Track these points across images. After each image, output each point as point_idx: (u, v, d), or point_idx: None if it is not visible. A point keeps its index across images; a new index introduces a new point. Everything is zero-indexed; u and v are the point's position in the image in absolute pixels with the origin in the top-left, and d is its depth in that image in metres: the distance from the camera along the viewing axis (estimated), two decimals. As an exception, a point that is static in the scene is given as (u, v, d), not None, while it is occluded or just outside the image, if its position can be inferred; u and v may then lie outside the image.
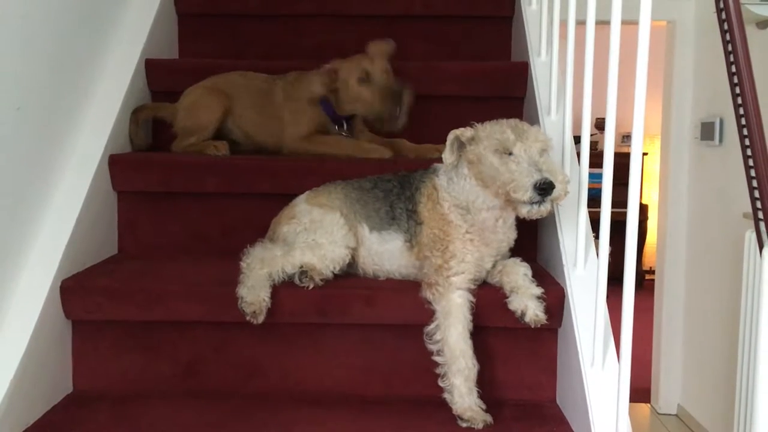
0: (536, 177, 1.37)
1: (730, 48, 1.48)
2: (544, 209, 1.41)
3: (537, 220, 1.81)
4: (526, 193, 1.38)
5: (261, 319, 1.47)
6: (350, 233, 1.58)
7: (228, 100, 2.07)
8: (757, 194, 1.67)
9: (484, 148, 1.45)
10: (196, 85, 2.10)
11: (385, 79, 1.96)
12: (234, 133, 2.12)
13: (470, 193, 1.50)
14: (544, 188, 1.37)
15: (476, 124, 1.50)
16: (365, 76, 1.95)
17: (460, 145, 1.50)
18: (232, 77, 2.11)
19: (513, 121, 1.47)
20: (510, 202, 1.43)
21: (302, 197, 1.67)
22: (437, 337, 1.45)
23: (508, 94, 2.17)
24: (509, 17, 2.47)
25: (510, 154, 1.42)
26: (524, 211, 1.42)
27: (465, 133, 1.49)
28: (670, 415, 3.48)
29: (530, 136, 1.43)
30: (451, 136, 1.50)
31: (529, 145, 1.42)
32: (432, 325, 1.47)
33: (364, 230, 1.59)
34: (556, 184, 1.38)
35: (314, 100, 2.02)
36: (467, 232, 1.51)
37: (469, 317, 1.46)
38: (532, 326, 1.49)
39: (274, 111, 2.07)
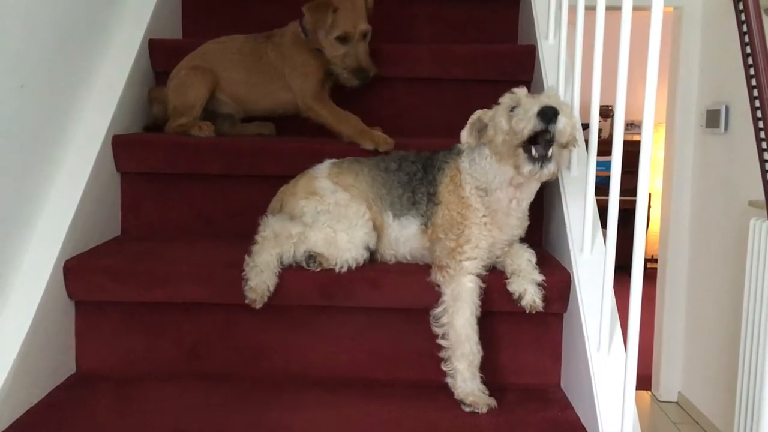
0: (539, 104, 1.34)
1: (745, 29, 1.46)
2: (551, 165, 1.35)
3: (544, 203, 1.82)
4: (529, 123, 1.33)
5: (260, 305, 1.48)
6: (373, 231, 1.56)
7: (212, 75, 2.05)
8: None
9: (499, 115, 1.42)
10: (178, 66, 2.07)
11: (361, 50, 1.95)
12: (225, 104, 2.10)
13: (489, 172, 1.47)
14: (547, 114, 1.32)
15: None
16: (344, 37, 1.94)
17: (482, 127, 1.48)
18: (209, 47, 2.09)
19: None
20: (516, 151, 1.37)
21: (323, 170, 1.63)
22: (444, 320, 1.44)
23: (515, 78, 2.14)
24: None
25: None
26: (531, 155, 1.35)
27: (488, 113, 1.47)
28: (670, 402, 3.49)
29: (542, 95, 1.40)
30: (473, 116, 1.48)
31: (540, 100, 1.38)
32: (439, 309, 1.46)
33: (389, 218, 1.58)
34: (561, 116, 1.33)
35: (302, 41, 2.01)
36: (484, 215, 1.49)
37: (478, 303, 1.45)
38: (527, 311, 1.48)
39: (271, 73, 2.04)
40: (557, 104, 1.38)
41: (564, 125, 1.34)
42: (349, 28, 1.93)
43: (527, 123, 1.34)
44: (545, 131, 1.34)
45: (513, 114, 1.38)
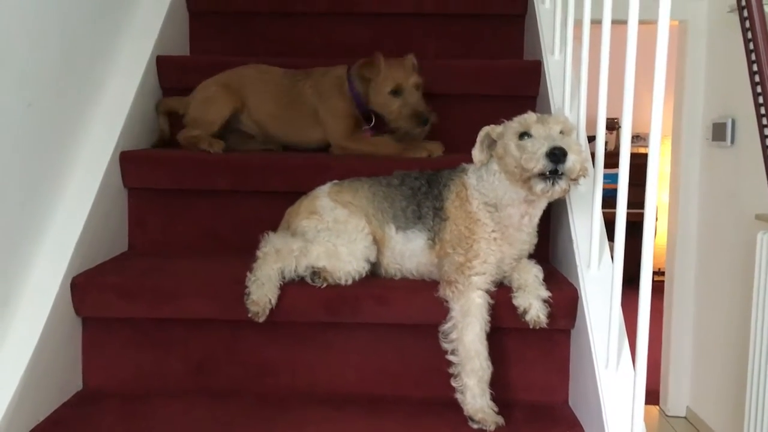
0: (548, 145, 1.35)
1: (751, 46, 1.47)
2: (558, 188, 1.37)
3: (551, 219, 1.81)
4: (538, 163, 1.35)
5: (262, 319, 1.47)
6: (373, 245, 1.56)
7: (239, 99, 2.08)
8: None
9: (508, 138, 1.44)
10: (210, 79, 2.10)
11: (415, 99, 1.97)
12: (247, 126, 2.13)
13: (499, 188, 1.48)
14: (556, 155, 1.34)
15: (505, 120, 1.49)
16: (397, 89, 1.96)
17: (491, 143, 1.49)
18: (246, 71, 2.12)
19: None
20: (527, 183, 1.40)
21: (324, 190, 1.65)
22: (453, 336, 1.44)
23: (521, 93, 2.16)
24: (521, 15, 2.45)
25: (530, 136, 1.41)
26: (539, 189, 1.38)
27: (496, 129, 1.49)
28: (678, 417, 3.46)
29: (551, 119, 1.42)
30: (482, 132, 1.49)
31: (549, 126, 1.41)
32: (448, 324, 1.45)
33: (391, 230, 1.58)
34: (570, 155, 1.35)
35: (344, 89, 2.03)
36: (493, 230, 1.50)
37: (487, 318, 1.45)
38: (531, 326, 1.48)
39: (303, 110, 2.07)
40: (566, 131, 1.41)
41: (573, 163, 1.36)
42: (400, 80, 1.96)
43: (536, 163, 1.36)
44: (554, 170, 1.36)
45: (522, 143, 1.40)
